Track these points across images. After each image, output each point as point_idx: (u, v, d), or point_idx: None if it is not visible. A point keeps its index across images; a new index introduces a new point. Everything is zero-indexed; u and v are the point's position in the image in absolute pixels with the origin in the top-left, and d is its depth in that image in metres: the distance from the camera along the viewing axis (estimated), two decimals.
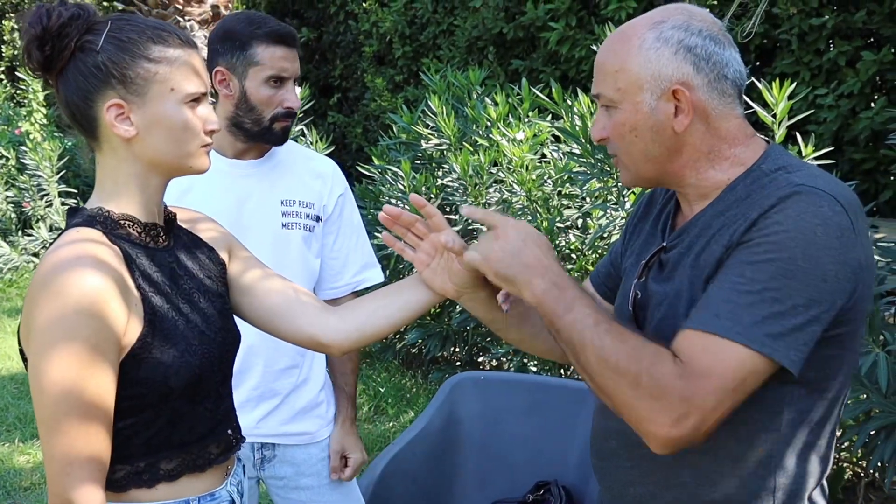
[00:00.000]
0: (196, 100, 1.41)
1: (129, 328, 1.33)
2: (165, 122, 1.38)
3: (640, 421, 1.21)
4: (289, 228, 2.10)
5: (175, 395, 1.38)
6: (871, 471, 3.22)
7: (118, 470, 1.36)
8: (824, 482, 1.39)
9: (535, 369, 4.17)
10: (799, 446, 1.31)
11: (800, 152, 3.29)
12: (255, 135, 2.04)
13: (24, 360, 1.36)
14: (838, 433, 3.06)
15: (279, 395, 2.14)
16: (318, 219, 2.15)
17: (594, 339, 1.24)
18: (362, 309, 1.60)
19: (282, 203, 2.10)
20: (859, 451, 3.01)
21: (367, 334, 1.59)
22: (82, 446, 1.27)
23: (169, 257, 1.46)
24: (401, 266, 4.55)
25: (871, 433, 2.74)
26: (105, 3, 12.45)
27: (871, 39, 5.00)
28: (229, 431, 1.52)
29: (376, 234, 2.22)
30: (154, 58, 1.37)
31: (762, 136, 1.40)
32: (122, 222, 1.40)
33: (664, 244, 1.41)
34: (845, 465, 3.37)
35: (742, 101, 1.36)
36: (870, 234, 1.30)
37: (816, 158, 3.34)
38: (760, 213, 1.23)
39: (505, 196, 4.33)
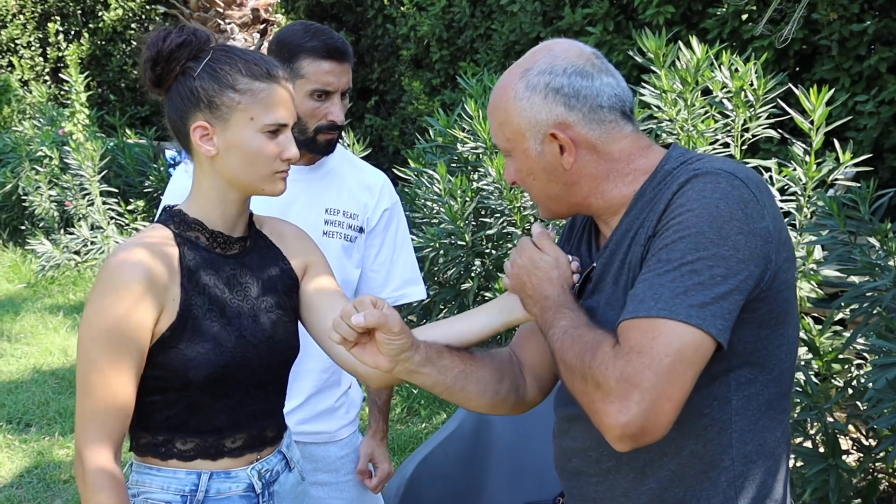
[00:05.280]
0: (275, 130, 1.54)
1: (163, 317, 1.51)
2: (242, 148, 1.54)
3: (597, 416, 1.22)
4: (329, 237, 2.13)
5: (194, 386, 1.53)
6: None
7: (142, 437, 1.59)
8: (784, 485, 1.40)
9: None
10: (756, 431, 1.33)
11: (837, 159, 3.26)
12: (301, 144, 2.05)
13: None
14: (872, 443, 3.04)
15: (302, 395, 2.15)
16: (360, 230, 2.18)
17: (561, 346, 1.31)
18: None
19: (326, 211, 2.14)
20: (894, 461, 2.97)
21: None
22: (112, 393, 1.47)
23: (233, 265, 1.61)
24: (434, 269, 4.57)
25: None
26: (147, 7, 12.65)
27: None
28: (254, 432, 1.63)
29: (412, 237, 2.25)
30: (240, 89, 1.52)
31: (659, 144, 1.44)
32: (193, 225, 1.59)
33: (594, 264, 1.45)
34: (881, 475, 3.33)
35: (630, 118, 1.41)
36: (778, 207, 1.33)
37: (855, 165, 3.30)
38: (666, 203, 1.29)
39: None
